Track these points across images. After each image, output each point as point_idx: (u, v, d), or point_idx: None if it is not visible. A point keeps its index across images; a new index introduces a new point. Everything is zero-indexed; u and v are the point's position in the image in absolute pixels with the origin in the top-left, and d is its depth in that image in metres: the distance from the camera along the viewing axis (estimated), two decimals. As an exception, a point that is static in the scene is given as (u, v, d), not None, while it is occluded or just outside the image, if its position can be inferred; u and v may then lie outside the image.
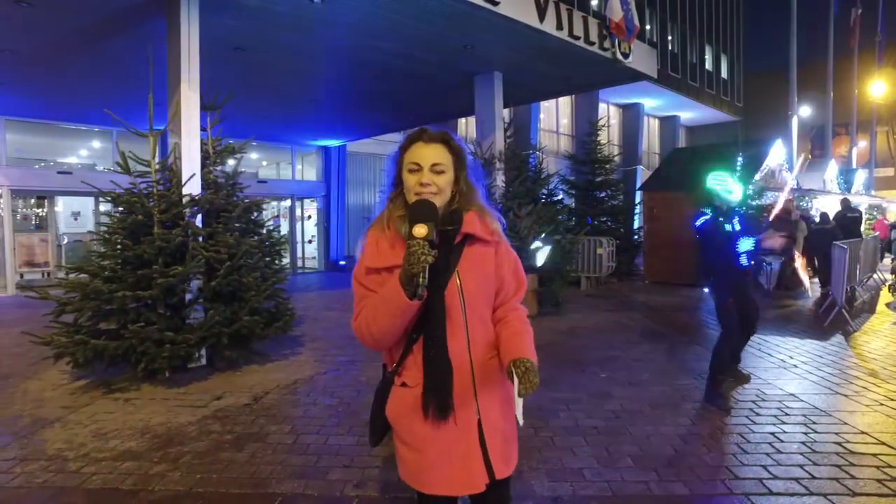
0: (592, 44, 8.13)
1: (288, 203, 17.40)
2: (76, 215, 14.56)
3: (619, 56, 8.64)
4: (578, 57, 8.42)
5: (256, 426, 4.20)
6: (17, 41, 7.25)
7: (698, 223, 4.58)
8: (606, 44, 8.41)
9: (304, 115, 12.70)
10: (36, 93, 10.04)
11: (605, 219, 14.21)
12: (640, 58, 9.39)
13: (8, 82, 9.21)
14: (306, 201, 17.96)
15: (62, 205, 14.25)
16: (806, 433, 3.81)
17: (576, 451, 3.65)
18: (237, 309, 5.48)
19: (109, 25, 6.60)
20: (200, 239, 5.50)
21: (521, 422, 1.53)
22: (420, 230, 1.41)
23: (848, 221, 12.06)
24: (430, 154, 1.58)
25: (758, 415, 4.17)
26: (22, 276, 12.97)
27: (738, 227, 4.52)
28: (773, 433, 3.81)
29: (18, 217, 13.35)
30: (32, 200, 13.76)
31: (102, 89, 9.42)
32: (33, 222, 13.77)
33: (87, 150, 14.55)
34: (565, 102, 22.62)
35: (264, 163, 18.31)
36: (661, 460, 3.48)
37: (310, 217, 18.17)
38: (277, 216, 18.00)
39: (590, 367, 5.70)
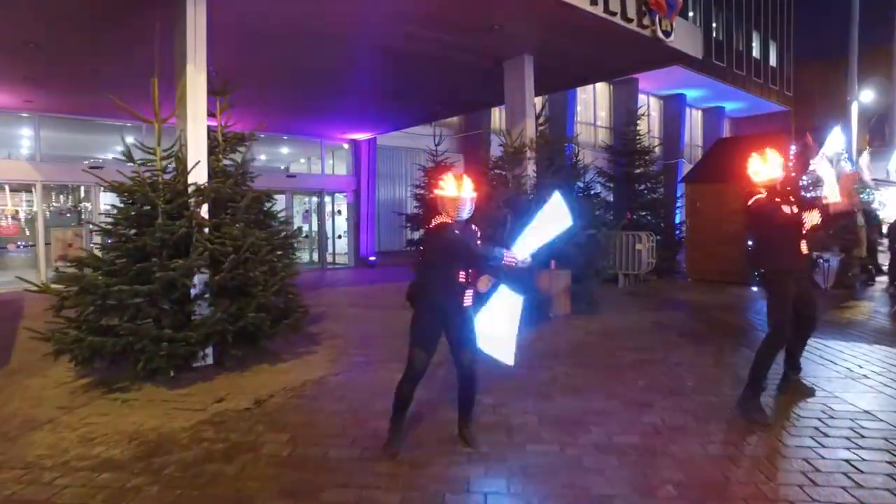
0: (630, 21, 7.47)
1: (318, 198, 17.25)
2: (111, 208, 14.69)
3: (660, 34, 7.94)
4: (615, 36, 7.76)
5: (253, 434, 3.84)
6: (38, 32, 7.14)
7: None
8: (646, 21, 7.72)
9: (331, 106, 12.41)
10: (64, 88, 10.01)
11: (644, 213, 13.47)
12: (683, 36, 8.64)
13: (37, 76, 9.19)
14: (337, 196, 17.77)
15: (96, 199, 14.39)
16: (892, 462, 3.18)
17: (607, 475, 3.14)
18: (243, 305, 5.14)
19: (121, 11, 6.38)
20: (206, 231, 5.19)
21: None
22: None
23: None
24: None
25: (826, 436, 3.55)
26: (57, 269, 13.13)
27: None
28: (847, 460, 3.20)
29: (53, 212, 13.55)
30: (68, 195, 13.96)
31: (123, 81, 9.26)
32: (68, 215, 13.94)
33: (120, 145, 14.65)
34: (603, 94, 21.78)
35: (302, 160, 18.21)
36: (709, 489, 2.95)
37: (339, 212, 17.97)
38: (308, 211, 17.90)
39: (626, 372, 5.14)
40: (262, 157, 17.63)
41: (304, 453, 3.53)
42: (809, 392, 4.28)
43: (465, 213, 3.39)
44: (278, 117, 13.55)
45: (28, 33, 7.14)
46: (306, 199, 17.88)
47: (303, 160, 18.30)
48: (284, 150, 17.99)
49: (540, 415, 4.08)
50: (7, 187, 12.97)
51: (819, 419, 3.82)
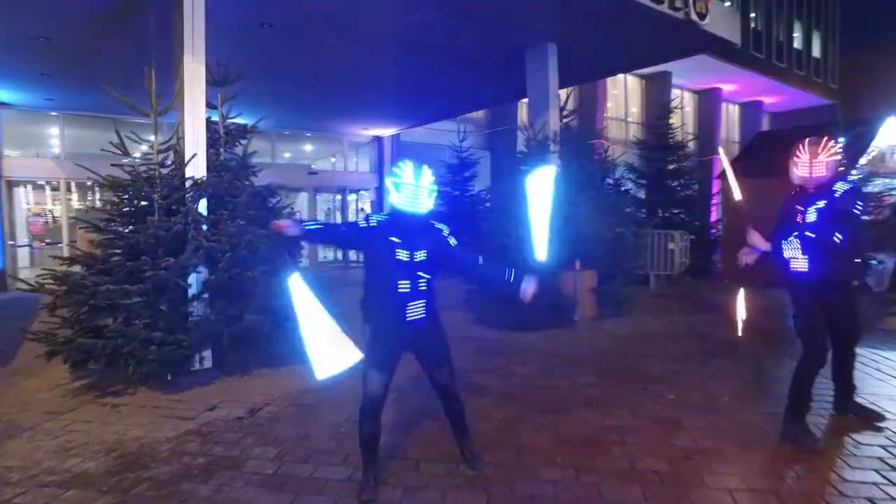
0: (660, 2, 6.93)
1: (341, 195, 17.07)
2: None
3: (694, 17, 7.35)
4: (644, 19, 7.19)
5: (239, 447, 3.53)
6: (46, 26, 7.03)
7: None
8: (677, 3, 7.14)
9: (352, 101, 12.15)
10: (77, 83, 9.93)
11: (677, 210, 12.79)
12: (720, 19, 8.01)
13: (52, 73, 9.16)
14: (361, 193, 17.55)
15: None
16: (976, 505, 2.67)
17: (629, 510, 2.71)
18: (242, 307, 4.85)
19: (122, 3, 6.20)
20: (204, 227, 4.92)
21: None
22: None
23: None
24: None
25: (894, 469, 3.02)
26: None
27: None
28: (922, 502, 2.69)
29: (83, 210, 13.67)
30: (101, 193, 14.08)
31: (130, 73, 9.16)
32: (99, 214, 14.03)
33: (142, 144, 14.70)
34: (635, 89, 21.02)
35: (331, 158, 18.03)
36: (751, 533, 2.48)
37: (363, 210, 17.77)
38: (330, 208, 17.74)
39: (654, 384, 4.66)
40: (286, 155, 17.55)
41: (289, 471, 3.20)
42: (872, 415, 3.70)
43: (421, 207, 2.86)
44: (300, 114, 13.38)
45: (36, 27, 7.03)
46: (329, 196, 17.73)
47: (332, 158, 18.11)
48: (308, 147, 17.85)
49: (555, 432, 3.66)
50: (47, 186, 13.17)
51: (883, 447, 3.27)
